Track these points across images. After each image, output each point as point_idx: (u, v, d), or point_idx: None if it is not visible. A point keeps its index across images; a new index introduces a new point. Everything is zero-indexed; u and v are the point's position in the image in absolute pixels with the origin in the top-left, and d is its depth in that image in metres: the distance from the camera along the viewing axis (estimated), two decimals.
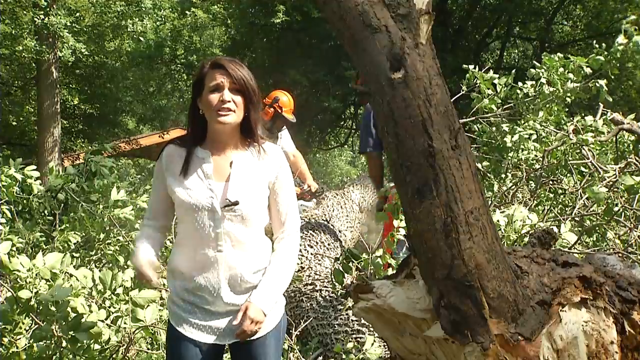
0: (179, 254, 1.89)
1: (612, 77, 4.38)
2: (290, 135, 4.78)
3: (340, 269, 3.03)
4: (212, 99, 1.77)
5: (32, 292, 2.49)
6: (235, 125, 1.82)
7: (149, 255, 1.89)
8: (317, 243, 3.93)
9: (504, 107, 4.51)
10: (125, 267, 3.47)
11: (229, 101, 1.76)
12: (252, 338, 1.87)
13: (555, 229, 2.75)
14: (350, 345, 2.84)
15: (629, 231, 2.95)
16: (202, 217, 1.79)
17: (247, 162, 1.87)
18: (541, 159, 4.01)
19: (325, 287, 3.39)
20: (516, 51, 14.98)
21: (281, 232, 1.94)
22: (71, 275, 2.69)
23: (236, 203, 1.79)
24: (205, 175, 1.82)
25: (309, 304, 3.31)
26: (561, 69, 4.32)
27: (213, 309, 1.84)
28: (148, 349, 2.87)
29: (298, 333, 3.08)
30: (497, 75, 4.52)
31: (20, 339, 2.46)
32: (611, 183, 3.25)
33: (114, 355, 2.63)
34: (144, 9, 11.19)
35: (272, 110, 4.43)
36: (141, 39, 12.53)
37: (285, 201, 1.92)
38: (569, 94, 4.33)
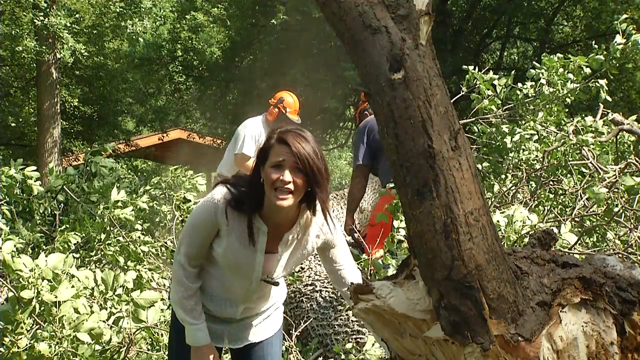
0: (206, 279, 1.87)
1: (612, 77, 4.37)
2: None
3: None
4: (272, 176, 1.67)
5: (33, 292, 2.49)
6: (294, 204, 1.73)
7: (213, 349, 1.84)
8: None
9: (504, 107, 4.51)
10: (126, 267, 3.48)
11: (289, 182, 1.66)
12: (259, 340, 1.96)
13: (555, 230, 2.75)
14: (350, 345, 2.84)
15: (629, 232, 2.95)
16: (238, 279, 1.83)
17: (298, 237, 1.84)
18: (541, 159, 4.01)
19: (325, 287, 3.39)
20: (516, 52, 14.97)
21: (340, 266, 1.96)
22: (72, 276, 2.69)
23: (276, 284, 1.84)
24: (258, 250, 1.78)
25: (309, 305, 3.31)
26: (561, 69, 4.31)
27: (224, 316, 1.91)
28: (148, 349, 2.87)
29: (298, 333, 3.08)
30: (497, 76, 4.51)
31: (21, 339, 2.46)
32: (611, 184, 3.25)
33: (114, 356, 2.64)
34: (143, 9, 11.20)
35: (276, 110, 4.47)
36: (140, 39, 12.53)
37: (340, 256, 1.95)
38: (569, 95, 4.32)
